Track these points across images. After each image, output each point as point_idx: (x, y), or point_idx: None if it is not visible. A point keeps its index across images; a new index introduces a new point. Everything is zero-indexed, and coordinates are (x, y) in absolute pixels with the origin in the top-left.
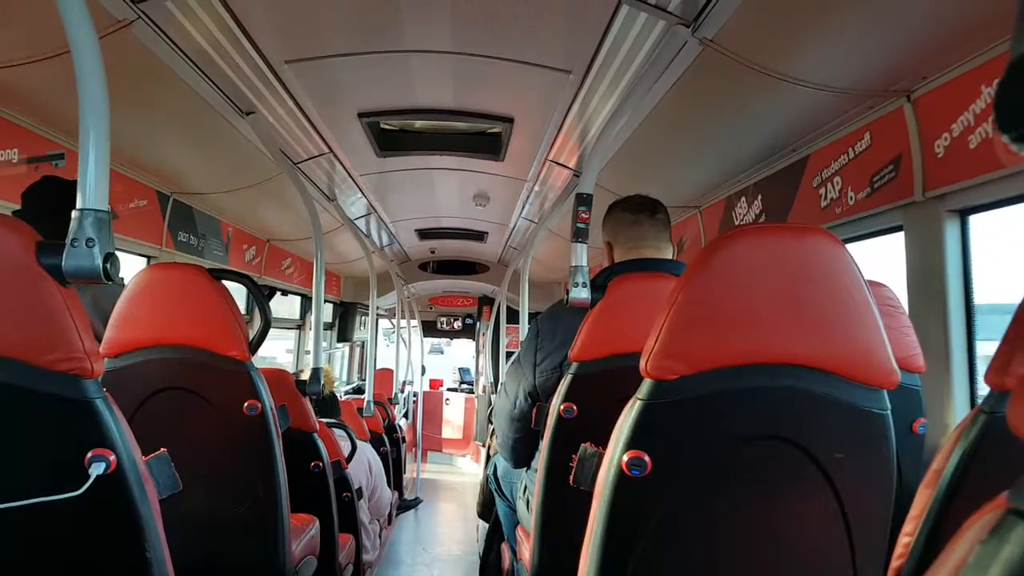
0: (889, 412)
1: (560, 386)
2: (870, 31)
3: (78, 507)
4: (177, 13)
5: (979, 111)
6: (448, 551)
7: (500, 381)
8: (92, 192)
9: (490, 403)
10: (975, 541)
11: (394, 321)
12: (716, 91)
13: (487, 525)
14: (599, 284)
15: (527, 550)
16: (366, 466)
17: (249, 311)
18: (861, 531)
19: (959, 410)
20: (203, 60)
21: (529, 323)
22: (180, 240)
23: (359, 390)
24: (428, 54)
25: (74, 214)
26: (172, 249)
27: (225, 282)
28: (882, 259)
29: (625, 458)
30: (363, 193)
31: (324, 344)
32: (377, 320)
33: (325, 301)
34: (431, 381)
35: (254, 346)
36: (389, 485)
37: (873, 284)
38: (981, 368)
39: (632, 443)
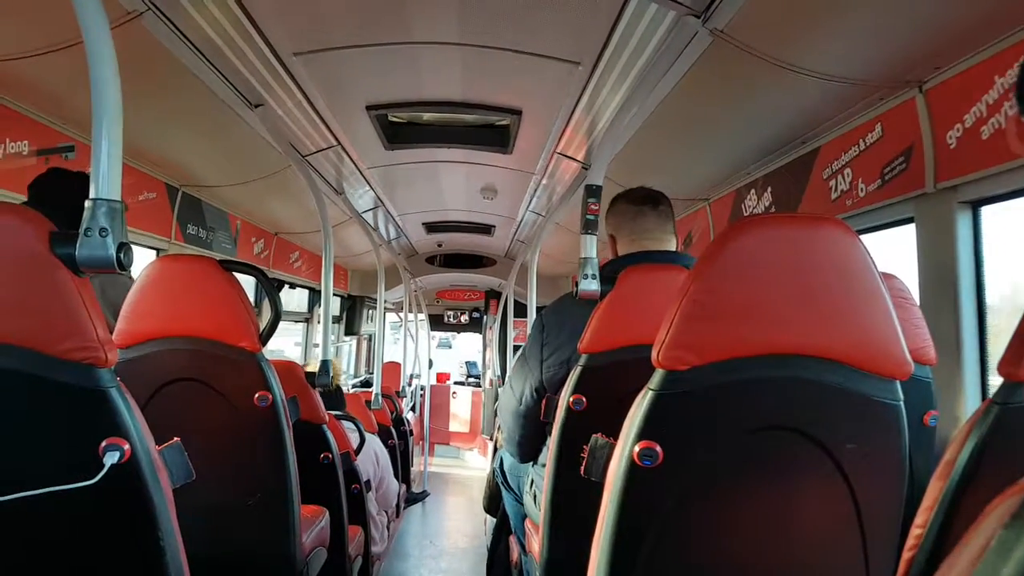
0: (902, 403)
1: (569, 378)
2: (882, 21)
3: (92, 496)
4: (186, 4)
5: (992, 102)
6: (455, 544)
7: (507, 375)
8: (105, 182)
9: (497, 397)
10: (998, 526)
11: (401, 315)
12: (726, 82)
13: (494, 519)
14: (608, 276)
15: (535, 543)
16: (374, 458)
17: (259, 303)
18: (873, 522)
19: (970, 403)
20: (212, 52)
21: (536, 317)
22: (189, 233)
23: (366, 383)
24: (436, 46)
25: (87, 204)
26: (181, 242)
27: (235, 274)
28: (893, 251)
29: (637, 448)
30: (371, 186)
31: (332, 337)
32: (385, 314)
33: (333, 294)
34: (438, 375)
35: (264, 337)
36: (396, 478)
37: (885, 276)
38: (993, 360)
39: (644, 433)
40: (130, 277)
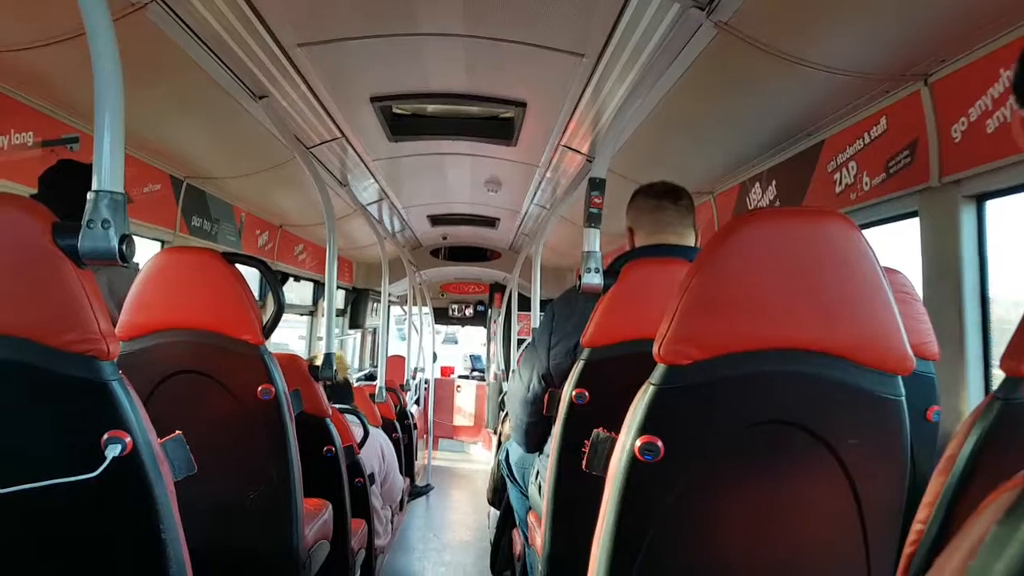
0: (904, 398)
1: (572, 372)
2: (887, 14)
3: (94, 488)
4: None
5: (997, 95)
6: (459, 537)
7: (512, 368)
8: (107, 174)
9: (501, 390)
10: (992, 521)
11: (406, 308)
12: (730, 75)
13: (497, 512)
14: (613, 270)
15: (539, 536)
16: (378, 452)
17: (263, 296)
18: (874, 517)
19: (973, 398)
20: (216, 43)
21: (541, 310)
22: (194, 225)
23: (371, 376)
24: (441, 37)
25: (90, 196)
26: (185, 234)
27: (239, 266)
28: (897, 245)
29: (638, 443)
30: (375, 178)
31: (336, 330)
32: (389, 307)
33: (337, 287)
34: (442, 368)
35: (268, 330)
36: (401, 471)
37: (887, 271)
38: (996, 356)
39: (645, 428)
40: (137, 270)
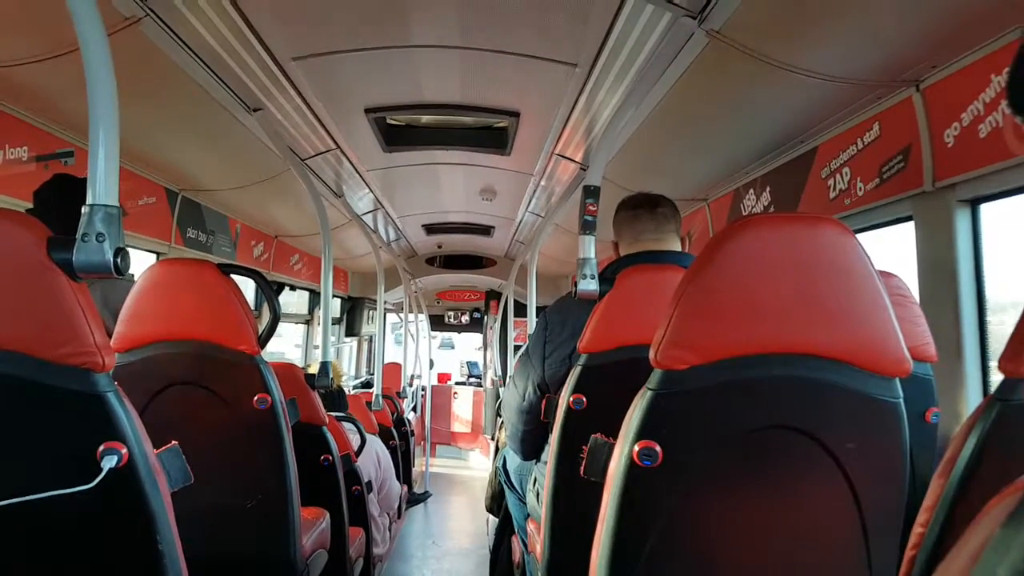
0: (902, 401)
1: (569, 378)
2: (878, 20)
3: (90, 500)
4: (185, 10)
5: (989, 100)
6: (458, 544)
7: (509, 374)
8: (102, 187)
9: (498, 396)
10: (995, 526)
11: (402, 316)
12: (723, 82)
13: (496, 519)
14: (607, 276)
15: (538, 543)
16: (375, 459)
17: (258, 306)
18: (874, 521)
19: (972, 399)
20: (211, 57)
21: (537, 316)
22: (189, 237)
23: (367, 384)
24: (434, 49)
25: (84, 209)
26: (181, 246)
27: (234, 277)
28: (891, 250)
29: (636, 448)
30: (370, 188)
31: (332, 339)
32: (385, 315)
33: (333, 296)
34: (439, 375)
35: (263, 340)
36: (398, 478)
37: (884, 274)
38: (993, 357)
39: (643, 433)
40: (131, 282)
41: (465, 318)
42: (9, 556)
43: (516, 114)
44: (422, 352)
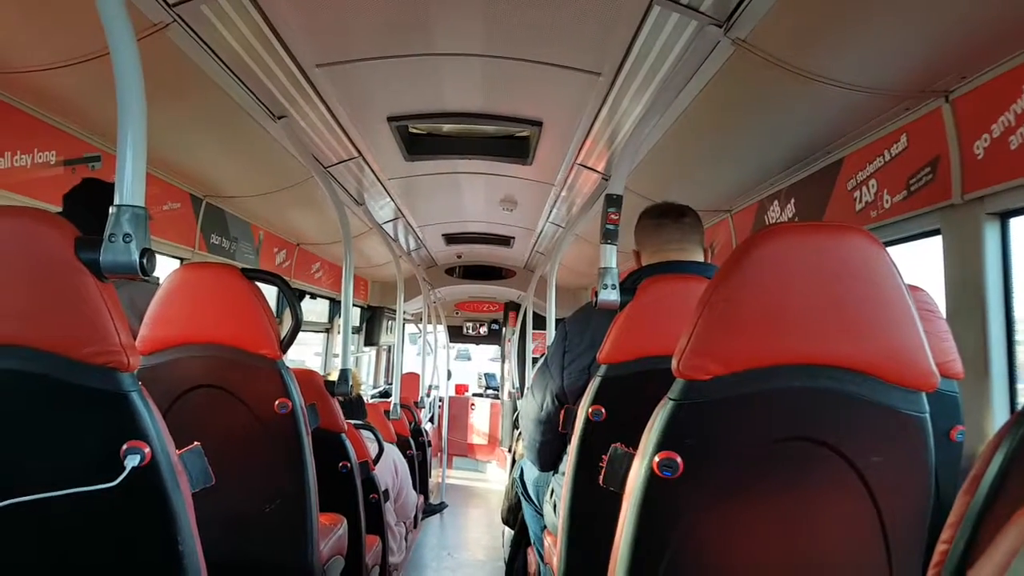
0: (928, 415)
1: (589, 389)
2: (908, 30)
3: (113, 498)
4: (212, 17)
5: (1020, 111)
6: (473, 556)
7: (527, 386)
8: (129, 189)
9: (516, 409)
10: None
11: (420, 326)
12: (748, 92)
13: (512, 531)
14: (628, 287)
15: (555, 555)
16: (392, 468)
17: (280, 312)
18: (897, 536)
19: (998, 418)
20: (236, 64)
21: (556, 328)
22: (212, 243)
23: (385, 394)
24: (458, 57)
25: (112, 210)
26: (204, 251)
27: (257, 283)
28: (918, 264)
29: (656, 459)
30: (391, 197)
31: (352, 347)
32: (404, 324)
33: (353, 305)
34: (457, 386)
35: (285, 345)
36: (415, 488)
37: (911, 288)
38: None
39: (663, 444)
40: (158, 286)
41: (483, 329)
42: (32, 551)
43: (539, 123)
44: (440, 363)
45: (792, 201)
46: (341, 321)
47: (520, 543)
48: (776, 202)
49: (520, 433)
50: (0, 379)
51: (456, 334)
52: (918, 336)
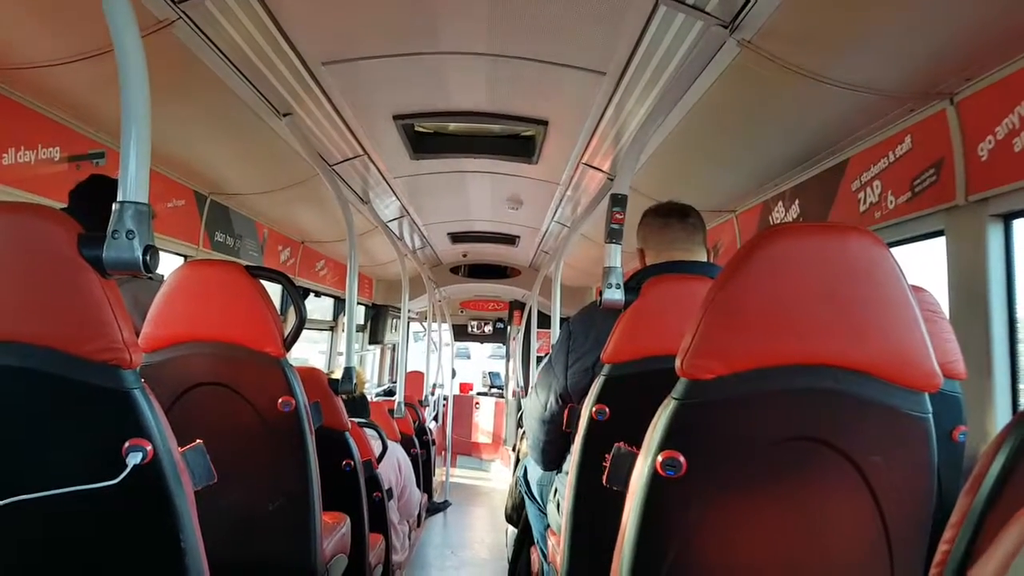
0: (930, 416)
1: (592, 388)
2: (912, 32)
3: (115, 495)
4: (217, 14)
5: None
6: (477, 555)
7: (531, 385)
8: (133, 185)
9: (520, 407)
10: None
11: (425, 324)
12: (753, 93)
13: (515, 530)
14: (633, 286)
15: (558, 553)
16: (396, 466)
17: (284, 310)
18: (900, 537)
19: (1001, 419)
20: (241, 61)
21: (560, 327)
22: (217, 240)
23: (389, 392)
24: (463, 56)
25: (115, 206)
26: (209, 249)
27: (261, 280)
28: (922, 265)
29: (659, 458)
30: (396, 196)
31: (356, 346)
32: (408, 323)
33: (357, 303)
34: (461, 385)
35: (289, 343)
36: (419, 487)
37: (914, 289)
38: None
39: (667, 443)
40: (161, 283)
41: (488, 328)
42: (34, 549)
43: (544, 122)
44: (445, 361)
45: (796, 202)
46: (345, 319)
47: (524, 542)
48: (781, 203)
49: (524, 432)
50: (1, 375)
51: (461, 332)
52: (922, 337)
